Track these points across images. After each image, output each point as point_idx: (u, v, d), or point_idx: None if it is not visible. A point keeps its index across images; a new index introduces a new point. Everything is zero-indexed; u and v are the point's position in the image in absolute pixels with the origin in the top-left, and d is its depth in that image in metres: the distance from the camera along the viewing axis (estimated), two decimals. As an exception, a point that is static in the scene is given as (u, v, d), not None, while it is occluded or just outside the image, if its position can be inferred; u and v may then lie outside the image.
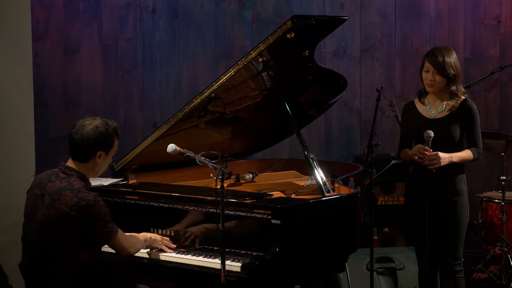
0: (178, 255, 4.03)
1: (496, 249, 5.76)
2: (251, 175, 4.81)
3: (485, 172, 6.72)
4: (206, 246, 4.06)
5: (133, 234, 4.02)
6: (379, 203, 6.13)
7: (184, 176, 4.75)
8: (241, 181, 4.75)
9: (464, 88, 4.73)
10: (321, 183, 4.16)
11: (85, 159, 3.75)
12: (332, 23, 4.67)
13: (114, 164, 4.58)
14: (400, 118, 4.97)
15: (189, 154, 4.04)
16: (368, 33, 6.65)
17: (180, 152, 4.05)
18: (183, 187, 4.54)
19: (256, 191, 4.35)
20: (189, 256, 4.00)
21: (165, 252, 4.06)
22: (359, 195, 4.30)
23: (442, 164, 4.46)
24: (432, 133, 4.43)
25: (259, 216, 3.87)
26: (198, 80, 6.31)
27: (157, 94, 6.30)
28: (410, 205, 4.71)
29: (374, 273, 5.15)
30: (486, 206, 5.94)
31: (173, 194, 4.23)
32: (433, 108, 4.60)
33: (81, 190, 3.67)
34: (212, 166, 3.91)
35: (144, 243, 4.01)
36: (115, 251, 3.87)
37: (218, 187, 3.68)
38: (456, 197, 4.57)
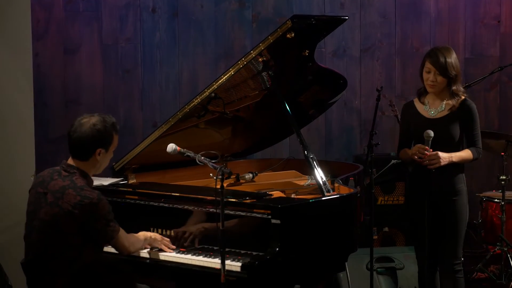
0: (178, 255, 4.03)
1: (496, 249, 5.76)
2: (251, 175, 4.81)
3: (485, 172, 6.72)
4: (206, 246, 4.06)
5: (133, 234, 4.02)
6: (379, 202, 6.13)
7: (184, 176, 4.75)
8: (241, 181, 4.76)
9: (464, 87, 4.73)
10: (321, 183, 4.16)
11: (85, 157, 3.75)
12: (332, 23, 4.67)
13: (114, 163, 4.58)
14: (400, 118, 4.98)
15: (189, 153, 4.04)
16: (368, 33, 6.65)
17: (180, 152, 4.05)
18: (183, 186, 4.54)
19: (256, 191, 4.35)
20: (189, 256, 4.00)
21: (165, 251, 4.06)
22: (359, 195, 4.30)
23: (442, 163, 4.47)
24: (432, 133, 4.43)
25: (259, 216, 3.87)
26: (198, 80, 6.31)
27: (157, 94, 6.30)
28: (410, 204, 4.72)
29: (374, 272, 5.15)
30: (486, 206, 5.94)
31: (173, 194, 4.23)
32: (432, 108, 4.60)
33: (84, 188, 3.67)
34: (212, 165, 3.91)
35: (144, 242, 4.02)
36: (116, 249, 3.87)
37: (218, 186, 3.68)
38: (456, 196, 4.57)
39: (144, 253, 4.08)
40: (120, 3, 6.19)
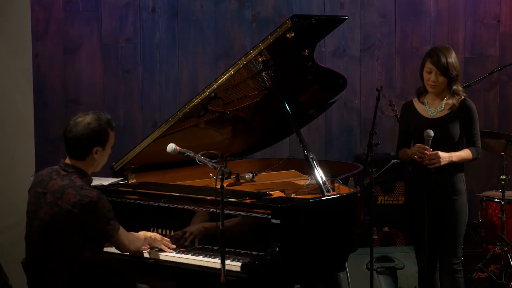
0: (178, 255, 4.03)
1: (496, 249, 5.76)
2: (251, 175, 4.81)
3: (485, 172, 6.72)
4: (206, 246, 4.06)
5: (133, 232, 4.02)
6: (379, 202, 6.13)
7: (184, 176, 4.75)
8: (241, 181, 4.75)
9: (464, 87, 4.73)
10: (321, 182, 4.16)
11: (82, 157, 3.74)
12: (332, 22, 4.67)
13: (114, 163, 4.58)
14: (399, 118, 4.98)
15: (189, 153, 4.04)
16: (368, 33, 6.65)
17: (180, 152, 4.05)
18: (183, 186, 4.54)
19: (256, 191, 4.35)
20: (189, 256, 4.00)
21: (165, 251, 4.06)
22: (359, 195, 4.30)
23: (442, 163, 4.47)
24: (432, 133, 4.43)
25: (259, 215, 3.87)
26: (198, 79, 6.31)
27: (157, 93, 6.30)
28: (410, 204, 4.71)
29: (374, 272, 5.15)
30: (486, 206, 5.94)
31: (173, 193, 4.23)
32: (432, 108, 4.60)
33: (84, 187, 3.67)
34: (212, 165, 3.91)
35: (144, 241, 4.02)
36: (116, 248, 3.87)
37: (218, 186, 3.68)
38: (455, 196, 4.57)
39: (144, 253, 4.08)
40: (120, 3, 6.19)
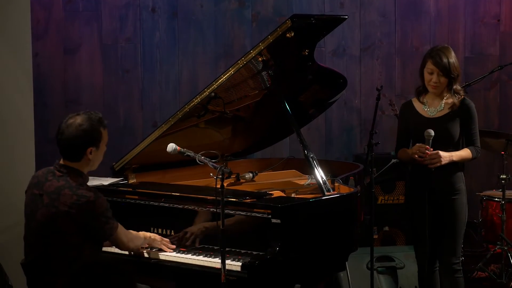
0: (178, 255, 4.03)
1: (496, 248, 5.76)
2: (251, 174, 4.81)
3: (485, 171, 6.72)
4: (206, 246, 4.06)
5: (132, 231, 4.02)
6: (379, 202, 6.13)
7: (184, 176, 4.75)
8: (241, 181, 4.75)
9: (464, 86, 4.74)
10: (321, 182, 4.16)
11: (77, 158, 3.72)
12: (331, 22, 4.66)
13: (114, 163, 4.58)
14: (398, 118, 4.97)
15: (189, 153, 4.03)
16: (368, 32, 6.65)
17: (180, 152, 4.05)
18: (183, 186, 4.54)
19: (256, 191, 4.35)
20: (189, 256, 4.00)
21: (165, 251, 4.06)
22: (359, 194, 4.30)
23: (443, 163, 4.47)
24: (432, 132, 4.43)
25: (259, 215, 3.87)
26: (198, 79, 6.31)
27: (157, 93, 6.30)
28: (410, 204, 4.71)
29: (375, 272, 5.15)
30: (486, 205, 5.94)
31: (173, 193, 4.23)
32: (432, 107, 4.60)
33: (80, 187, 3.66)
34: (212, 165, 3.91)
35: (144, 240, 4.01)
36: (115, 246, 3.87)
37: (218, 186, 3.68)
38: (455, 195, 4.57)
39: (144, 253, 4.08)
40: (119, 3, 6.19)
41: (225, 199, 3.70)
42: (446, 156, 4.48)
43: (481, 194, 6.06)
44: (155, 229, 4.20)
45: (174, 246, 4.08)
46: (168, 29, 6.29)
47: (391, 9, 6.67)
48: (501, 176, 5.74)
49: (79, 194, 3.62)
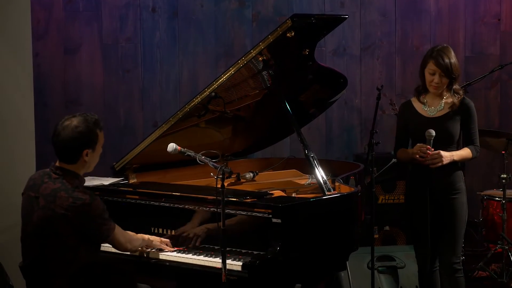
0: (179, 254, 4.03)
1: (497, 247, 5.76)
2: (251, 174, 4.81)
3: (486, 170, 6.72)
4: (207, 245, 4.06)
5: (130, 232, 4.01)
6: (379, 201, 6.12)
7: (184, 176, 4.75)
8: (242, 180, 4.75)
9: (465, 86, 4.73)
10: (321, 182, 4.16)
11: (73, 160, 3.70)
12: (332, 21, 4.66)
13: (114, 163, 4.58)
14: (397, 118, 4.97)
15: (189, 153, 4.03)
16: (368, 32, 6.65)
17: (180, 151, 4.04)
18: (183, 186, 4.54)
19: (256, 190, 4.35)
20: (190, 255, 4.00)
21: (166, 251, 4.05)
22: (359, 194, 4.30)
23: (444, 162, 4.46)
24: (433, 132, 4.42)
25: (260, 215, 3.87)
26: (199, 79, 6.31)
27: (157, 93, 6.30)
28: (410, 203, 4.70)
29: (375, 271, 5.15)
30: (487, 204, 5.94)
31: (173, 193, 4.22)
32: (432, 107, 4.60)
33: (76, 189, 3.64)
34: (213, 165, 3.91)
35: (142, 241, 4.00)
36: (113, 246, 3.86)
37: (219, 186, 3.68)
38: (455, 195, 4.56)
39: (144, 253, 4.07)
40: (120, 3, 6.19)
41: (225, 199, 3.70)
42: (447, 155, 4.47)
43: (482, 193, 6.06)
44: (156, 229, 4.20)
45: (173, 249, 4.08)
46: (168, 29, 6.29)
47: (392, 8, 6.67)
48: (502, 175, 5.74)
49: (75, 197, 3.60)
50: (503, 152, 5.74)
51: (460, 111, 4.55)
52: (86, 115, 3.73)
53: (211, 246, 4.03)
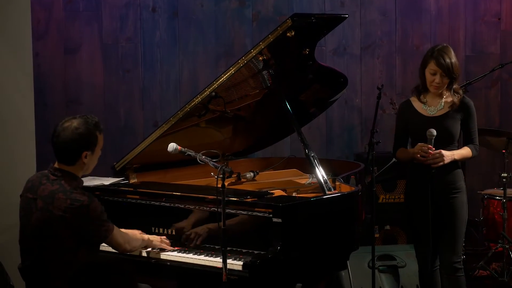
0: (180, 254, 4.03)
1: (497, 246, 5.76)
2: (252, 174, 4.81)
3: (486, 169, 6.72)
4: (207, 245, 4.06)
5: (129, 231, 4.01)
6: (380, 201, 6.12)
7: (185, 175, 4.75)
8: (242, 180, 4.75)
9: (465, 85, 4.73)
10: (322, 181, 4.16)
11: (72, 162, 3.69)
12: (332, 21, 4.66)
13: (115, 163, 4.58)
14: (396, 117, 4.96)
15: (190, 153, 4.03)
16: (369, 31, 6.65)
17: (181, 151, 4.04)
18: (184, 186, 4.54)
19: (257, 190, 4.35)
20: (190, 255, 4.00)
21: (166, 251, 4.05)
22: (360, 193, 4.30)
23: (446, 162, 4.46)
24: (435, 132, 4.42)
25: (261, 214, 3.87)
26: (199, 79, 6.31)
27: (158, 93, 6.30)
28: (410, 203, 4.70)
29: (376, 271, 5.15)
30: (487, 203, 5.94)
31: (174, 193, 4.22)
32: (432, 106, 4.59)
33: (74, 191, 3.63)
34: (213, 165, 3.91)
35: (142, 242, 4.00)
36: (112, 247, 3.85)
37: (219, 185, 3.68)
38: (455, 194, 4.56)
39: (145, 253, 4.08)
40: (120, 3, 6.19)
41: (226, 199, 3.70)
42: (448, 155, 4.47)
43: (482, 192, 6.06)
44: (156, 228, 4.20)
45: (175, 248, 4.08)
46: (168, 29, 6.29)
47: (392, 7, 6.67)
48: (502, 174, 5.74)
49: (73, 198, 3.60)
50: (504, 151, 5.74)
51: (460, 110, 4.55)
52: (86, 117, 3.72)
53: (211, 246, 4.03)
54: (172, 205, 4.17)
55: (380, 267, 5.40)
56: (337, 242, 4.08)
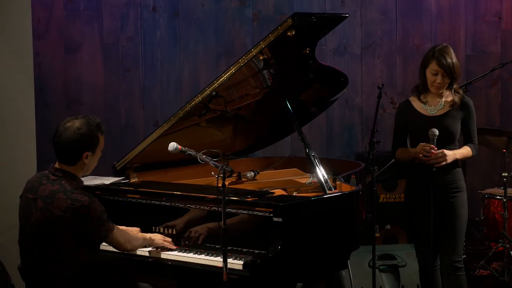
0: (180, 253, 4.03)
1: (498, 246, 5.75)
2: (252, 173, 4.80)
3: (487, 169, 6.72)
4: (208, 244, 4.06)
5: (130, 229, 4.01)
6: (380, 200, 6.12)
7: (185, 175, 4.75)
8: (243, 179, 4.75)
9: (465, 84, 4.73)
10: (322, 180, 4.16)
11: (72, 162, 3.69)
12: (332, 20, 4.66)
13: (115, 162, 4.58)
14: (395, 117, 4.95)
15: (190, 152, 4.03)
16: (369, 30, 6.65)
17: (181, 151, 4.05)
18: (184, 185, 4.54)
19: (257, 189, 4.35)
20: (191, 254, 4.00)
21: (167, 250, 4.05)
22: (360, 193, 4.29)
23: (448, 161, 4.46)
24: (437, 132, 4.42)
25: (261, 214, 3.87)
26: (199, 78, 6.31)
27: (158, 92, 6.30)
28: (411, 202, 4.70)
29: (376, 270, 5.15)
30: (488, 203, 5.93)
31: (174, 192, 4.22)
32: (432, 106, 4.59)
33: (74, 191, 3.63)
34: (214, 164, 3.91)
35: (143, 241, 4.00)
36: (113, 247, 3.85)
37: (220, 185, 3.68)
38: (456, 193, 4.56)
39: (146, 252, 4.08)
40: (120, 2, 6.19)
41: (226, 198, 3.70)
42: (450, 154, 4.48)
43: (483, 192, 6.05)
44: (157, 228, 4.20)
45: (175, 247, 4.08)
46: (169, 28, 6.29)
47: (392, 7, 6.67)
48: (503, 174, 5.74)
49: (73, 199, 3.60)
50: (504, 150, 5.74)
51: (460, 109, 4.56)
52: (88, 117, 3.73)
53: (212, 245, 4.03)
54: (172, 204, 4.17)
55: (381, 267, 5.40)
56: (337, 241, 4.08)
